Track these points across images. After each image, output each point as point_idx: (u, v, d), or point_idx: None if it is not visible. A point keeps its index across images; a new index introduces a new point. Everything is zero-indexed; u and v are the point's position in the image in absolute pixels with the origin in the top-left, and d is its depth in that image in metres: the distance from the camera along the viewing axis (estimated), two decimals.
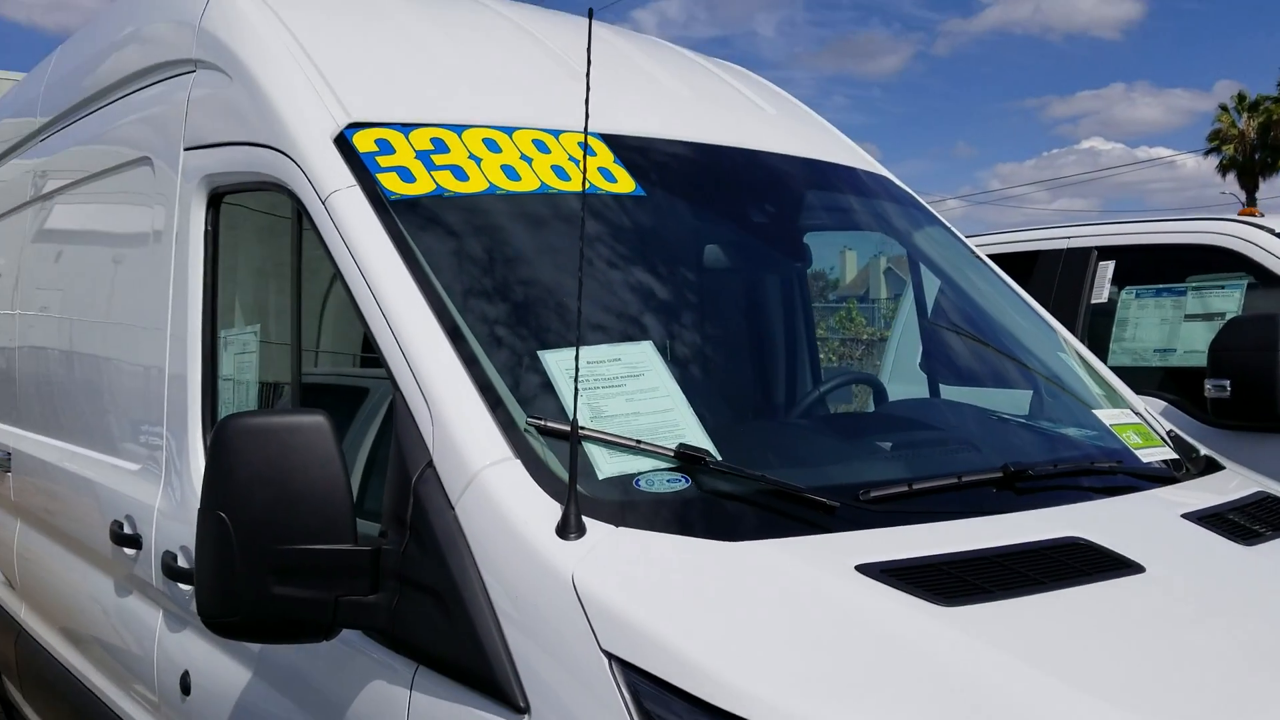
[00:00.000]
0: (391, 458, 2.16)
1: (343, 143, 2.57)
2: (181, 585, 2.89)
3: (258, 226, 3.13)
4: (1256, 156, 49.22)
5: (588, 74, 2.16)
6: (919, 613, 1.77)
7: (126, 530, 3.23)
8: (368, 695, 2.16)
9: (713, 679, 1.62)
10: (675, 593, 1.81)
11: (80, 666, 3.76)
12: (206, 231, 3.03)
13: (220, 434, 2.02)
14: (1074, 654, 1.75)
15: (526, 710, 1.81)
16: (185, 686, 2.89)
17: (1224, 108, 50.90)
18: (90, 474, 3.62)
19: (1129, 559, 2.06)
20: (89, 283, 3.93)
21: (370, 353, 2.44)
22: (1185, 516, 2.37)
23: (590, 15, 2.28)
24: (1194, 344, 4.57)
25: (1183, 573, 2.11)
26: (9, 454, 4.56)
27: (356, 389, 3.10)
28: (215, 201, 3.03)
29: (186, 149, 3.12)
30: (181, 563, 2.89)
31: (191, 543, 2.87)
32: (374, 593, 2.04)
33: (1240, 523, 2.38)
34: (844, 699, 1.62)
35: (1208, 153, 51.71)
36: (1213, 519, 2.37)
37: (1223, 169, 50.80)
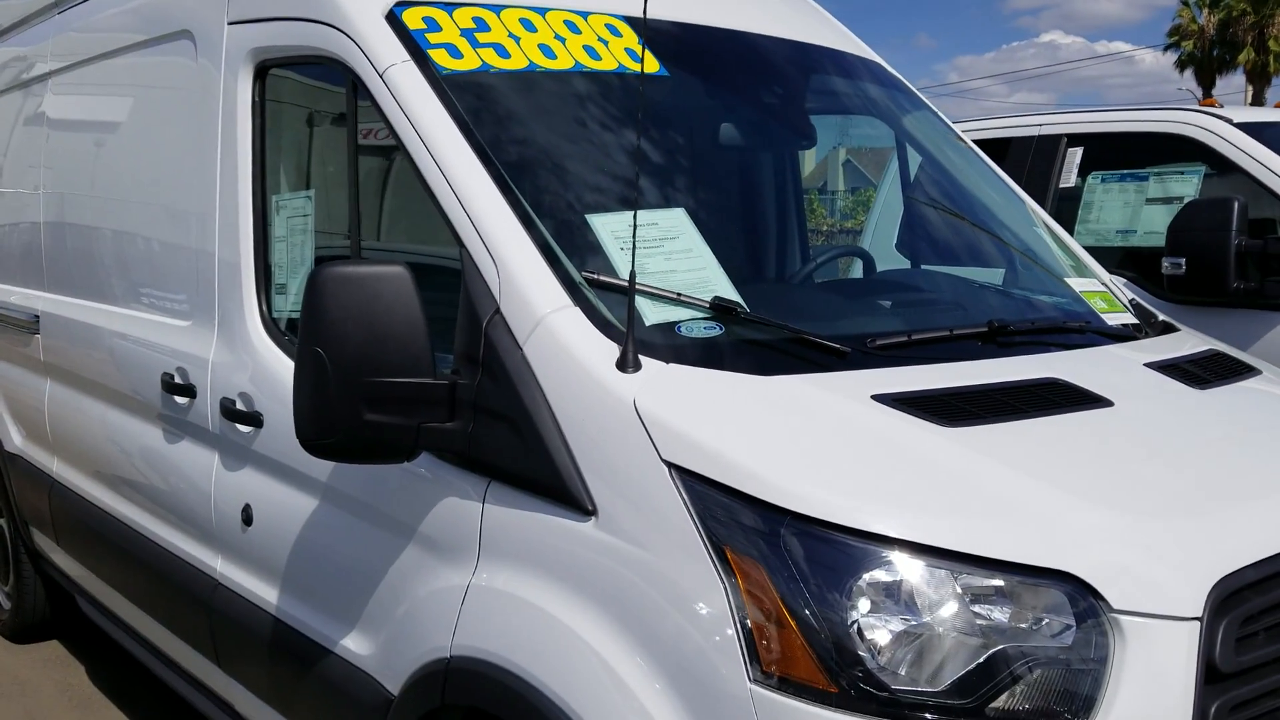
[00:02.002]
0: (461, 306, 2.44)
1: (394, 19, 2.78)
2: (241, 427, 3.17)
3: (308, 96, 3.32)
4: (1215, 53, 49.41)
5: None
6: (927, 430, 2.11)
7: (179, 380, 3.49)
8: (441, 510, 2.49)
9: (759, 478, 1.96)
10: (722, 412, 2.14)
11: (124, 510, 4.04)
12: (254, 102, 3.23)
13: (315, 280, 2.29)
14: (1053, 463, 2.12)
15: (594, 513, 2.15)
16: (247, 518, 3.20)
17: (1185, 2, 50.85)
18: (138, 332, 3.85)
19: (1100, 395, 2.42)
20: (126, 151, 4.10)
21: (420, 220, 2.67)
22: (1147, 365, 2.73)
23: None
24: (1154, 226, 4.92)
25: (1145, 407, 2.48)
26: (37, 316, 4.76)
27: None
28: (261, 73, 3.23)
29: (231, 23, 3.30)
30: (241, 406, 3.17)
31: (250, 389, 3.16)
32: (451, 420, 2.35)
33: (1193, 371, 2.75)
34: (871, 493, 1.97)
35: (1166, 48, 51.81)
36: (1170, 367, 2.73)
37: (1180, 65, 50.96)
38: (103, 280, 4.24)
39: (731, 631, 1.92)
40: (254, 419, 3.12)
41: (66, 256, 4.61)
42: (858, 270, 3.90)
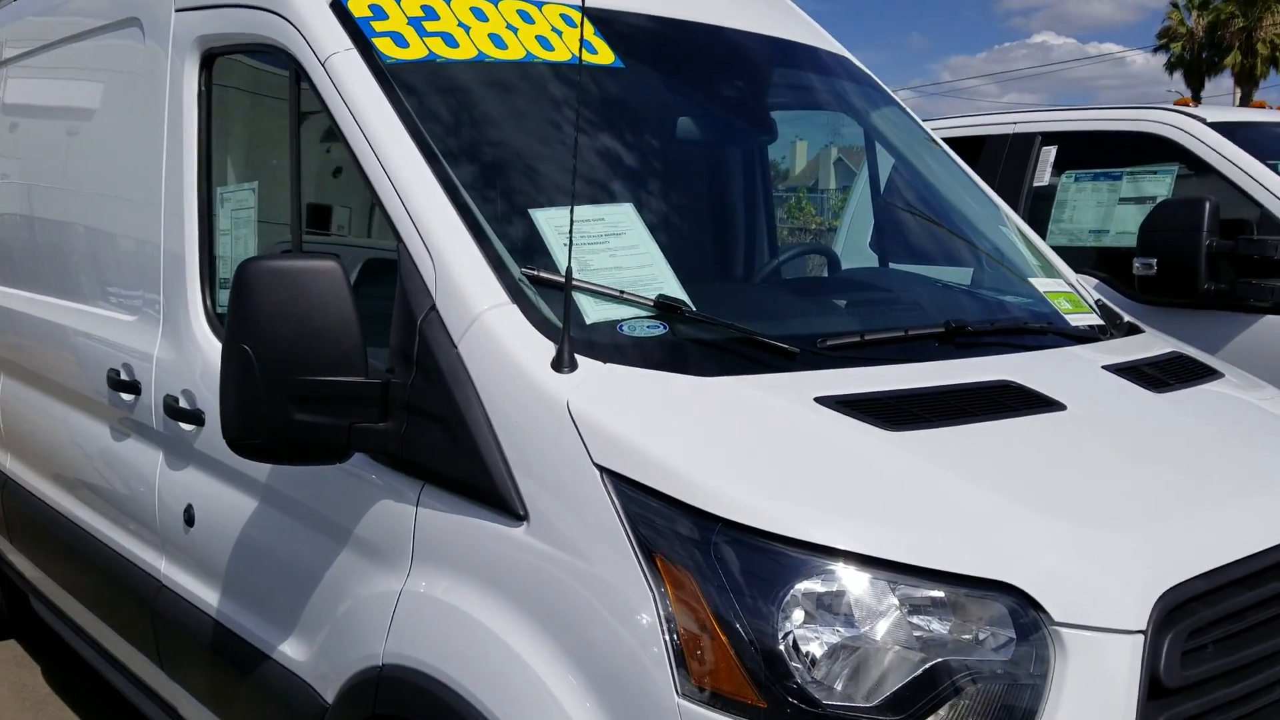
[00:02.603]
0: (396, 302, 2.36)
1: (338, 7, 2.70)
2: (184, 425, 3.09)
3: (253, 86, 3.25)
4: (1204, 55, 49.53)
5: None
6: (869, 435, 2.04)
7: (124, 377, 3.41)
8: (375, 513, 2.41)
9: (691, 483, 1.89)
10: (657, 415, 2.07)
11: (73, 509, 3.96)
12: (200, 91, 3.15)
13: (242, 274, 2.21)
14: (998, 469, 2.05)
15: (525, 517, 2.07)
16: (189, 519, 3.12)
17: (1175, 4, 50.95)
18: (84, 326, 3.77)
19: (1053, 398, 2.35)
20: (74, 142, 4.01)
21: (363, 211, 2.61)
22: (1105, 367, 2.66)
23: None
24: (1126, 226, 4.87)
25: (1099, 411, 2.41)
26: None
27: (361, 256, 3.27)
28: (208, 62, 3.15)
29: (178, 10, 3.22)
30: (184, 404, 3.09)
31: (193, 386, 3.08)
32: (384, 420, 2.27)
33: (1152, 374, 2.69)
34: (806, 499, 1.90)
35: (1156, 49, 51.94)
36: (1129, 370, 2.67)
37: (1170, 67, 51.08)
38: (53, 273, 4.15)
39: (661, 643, 1.85)
40: (196, 417, 3.04)
41: (18, 248, 4.52)
42: (823, 269, 3.84)
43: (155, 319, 3.31)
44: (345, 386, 2.22)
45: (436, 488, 2.28)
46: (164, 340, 3.26)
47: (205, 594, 3.08)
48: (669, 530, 1.89)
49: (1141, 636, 1.83)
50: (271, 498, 2.80)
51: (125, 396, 3.42)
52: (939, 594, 1.82)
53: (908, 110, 3.92)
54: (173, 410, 3.13)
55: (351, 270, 2.89)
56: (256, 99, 3.25)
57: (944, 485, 1.97)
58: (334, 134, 2.59)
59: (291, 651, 2.70)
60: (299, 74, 2.70)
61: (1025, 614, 1.82)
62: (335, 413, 2.23)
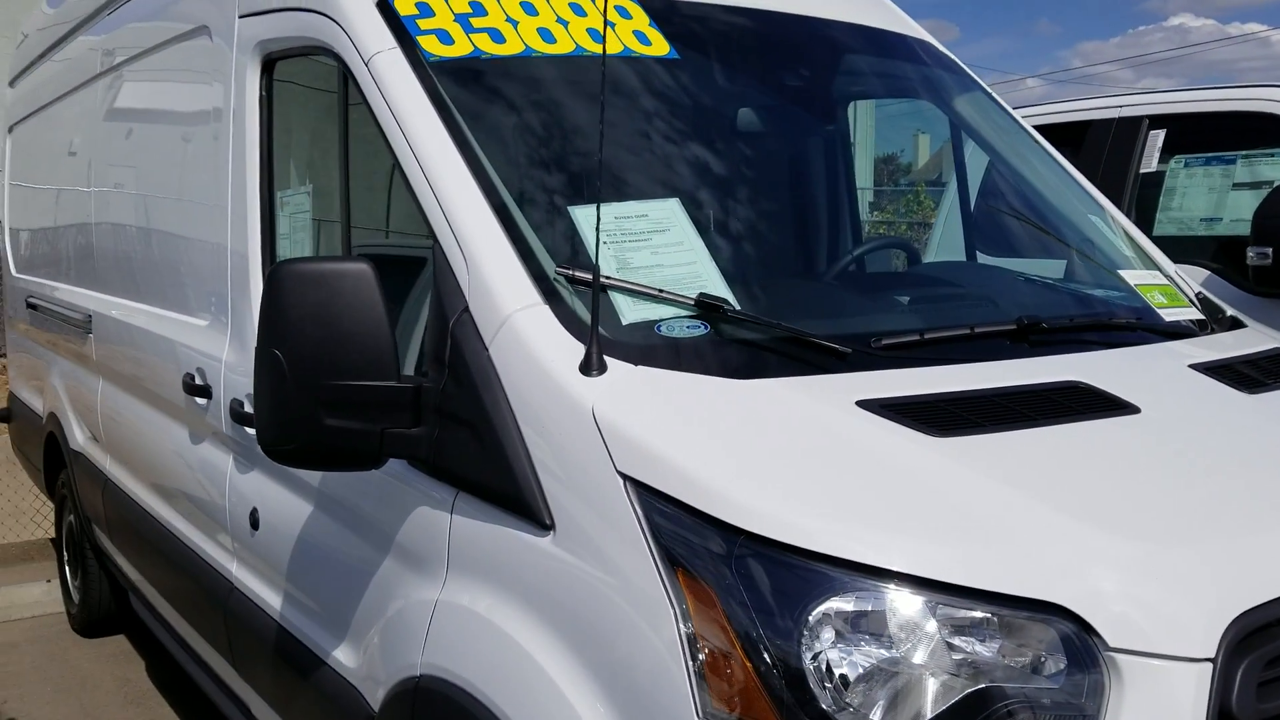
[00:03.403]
0: (431, 304, 2.31)
1: (384, 6, 2.67)
2: (249, 429, 3.11)
3: (312, 90, 3.25)
4: None
5: None
6: (909, 441, 1.90)
7: (198, 381, 3.46)
8: (414, 520, 2.37)
9: (712, 493, 1.78)
10: (684, 420, 1.96)
11: (160, 511, 4.06)
12: (261, 96, 3.17)
13: (273, 278, 2.19)
14: (1054, 479, 1.88)
15: (552, 527, 2.00)
16: (254, 522, 3.15)
17: None
18: (164, 331, 3.85)
19: (1125, 400, 2.16)
20: (153, 149, 4.11)
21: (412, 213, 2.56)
22: (1192, 366, 2.45)
23: None
24: (1240, 213, 4.54)
25: (1176, 415, 2.20)
26: (90, 316, 4.83)
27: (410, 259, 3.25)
28: (269, 67, 3.16)
29: (241, 16, 3.25)
30: (248, 408, 3.11)
31: None
32: (416, 425, 2.22)
33: (1247, 373, 2.46)
34: (836, 511, 1.77)
35: None
36: (1220, 369, 2.45)
37: None
38: (140, 279, 4.26)
39: (682, 662, 1.74)
40: None
41: (111, 256, 4.66)
42: (904, 265, 3.66)
43: (225, 323, 3.34)
44: (376, 391, 2.18)
45: (470, 495, 2.22)
46: (231, 344, 3.29)
47: (270, 596, 3.10)
48: (691, 542, 1.78)
49: (1210, 665, 1.65)
50: (324, 502, 2.80)
51: (200, 400, 3.47)
52: (982, 615, 1.68)
53: (994, 95, 3.72)
54: (238, 414, 3.15)
55: (400, 274, 2.87)
56: (313, 102, 3.26)
57: (990, 496, 1.81)
58: (380, 135, 2.56)
59: (343, 657, 2.68)
60: (346, 75, 2.68)
61: (1078, 638, 1.66)
62: (367, 418, 2.19)
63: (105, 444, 4.83)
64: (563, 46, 2.74)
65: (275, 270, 2.19)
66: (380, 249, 3.00)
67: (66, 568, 5.95)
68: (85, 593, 5.66)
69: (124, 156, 4.51)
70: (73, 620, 5.88)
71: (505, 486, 2.08)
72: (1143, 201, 4.88)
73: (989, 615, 1.67)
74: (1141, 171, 4.93)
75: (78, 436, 5.28)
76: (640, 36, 2.85)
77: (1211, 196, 4.69)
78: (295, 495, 2.92)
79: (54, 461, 5.82)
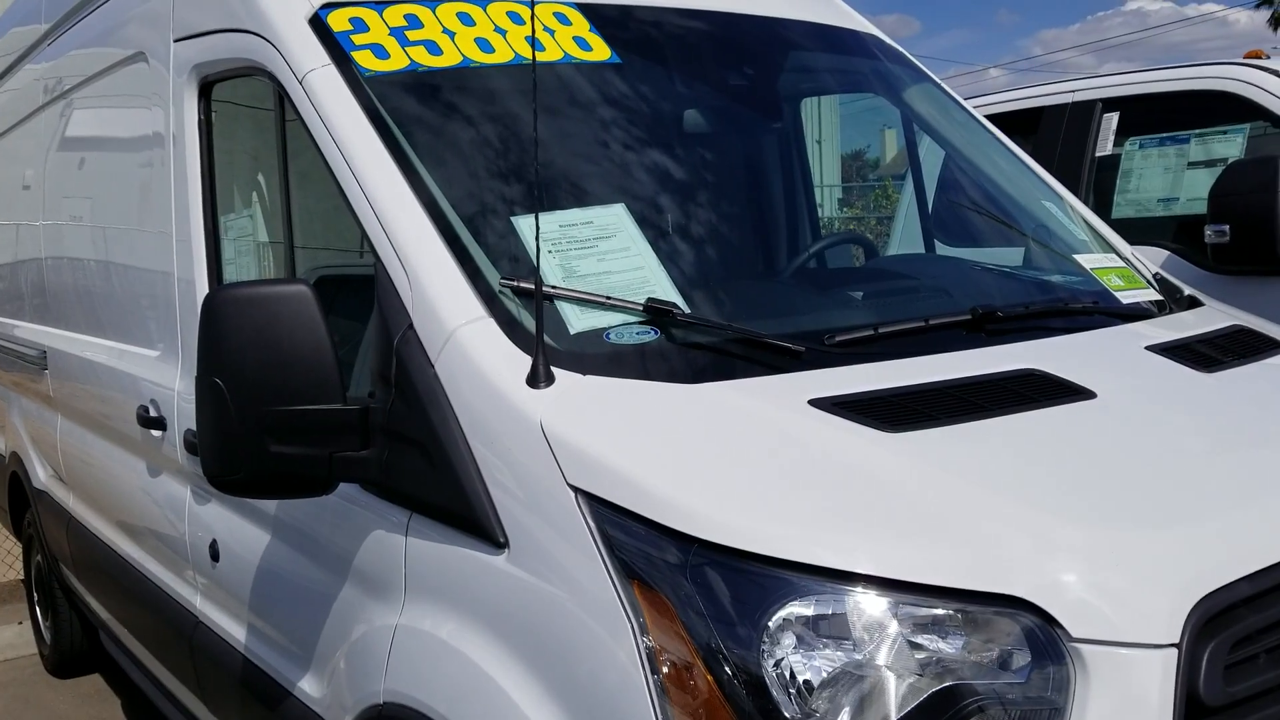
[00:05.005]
0: (375, 323, 2.27)
1: (317, 23, 2.62)
2: None
3: (248, 112, 3.20)
4: None
5: None
6: (860, 438, 1.86)
7: (152, 413, 3.39)
8: (370, 544, 2.32)
9: (663, 501, 1.74)
10: (634, 429, 1.92)
11: (124, 546, 3.99)
12: (200, 120, 3.12)
13: (209, 304, 2.13)
14: (1010, 469, 1.85)
15: (506, 545, 1.95)
16: (215, 554, 3.09)
17: None
18: (117, 364, 3.78)
19: (1081, 386, 2.13)
20: (97, 178, 4.04)
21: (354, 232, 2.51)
22: (1149, 347, 2.43)
23: None
24: (1197, 192, 4.53)
25: (1133, 397, 2.18)
26: (44, 352, 4.75)
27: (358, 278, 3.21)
28: (206, 91, 3.11)
29: (176, 40, 3.19)
30: None
31: None
32: (366, 448, 2.18)
33: (1204, 352, 2.44)
34: (789, 514, 1.74)
35: (1259, 5, 49.49)
36: (1176, 349, 2.43)
37: (1275, 22, 48.63)
38: (91, 312, 4.19)
39: (642, 676, 1.70)
40: None
41: (62, 290, 4.59)
42: (862, 260, 3.64)
43: (175, 352, 3.28)
44: (322, 415, 2.13)
45: (423, 516, 2.17)
46: (183, 374, 3.23)
47: (234, 629, 3.04)
48: (645, 554, 1.74)
49: (1175, 650, 1.62)
50: (282, 530, 2.75)
51: (155, 433, 3.41)
52: (944, 612, 1.65)
53: (943, 86, 3.70)
54: (192, 445, 3.09)
55: (349, 294, 2.82)
56: (251, 125, 3.21)
57: (946, 490, 1.78)
58: (317, 154, 2.52)
59: (309, 687, 2.63)
60: (282, 95, 2.64)
61: (1041, 631, 1.63)
62: (314, 443, 2.14)
63: (68, 481, 4.75)
64: (501, 56, 2.70)
65: (211, 296, 2.14)
66: (328, 269, 2.95)
67: (37, 608, 5.85)
68: (56, 633, 5.56)
69: (71, 188, 4.44)
70: (46, 661, 5.78)
71: (457, 505, 2.04)
72: (1100, 185, 4.88)
73: (951, 612, 1.64)
74: (1097, 155, 4.93)
75: (40, 475, 5.19)
76: (580, 43, 2.82)
77: (1167, 177, 4.69)
78: (253, 525, 2.87)
79: (18, 501, 5.73)
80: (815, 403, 1.96)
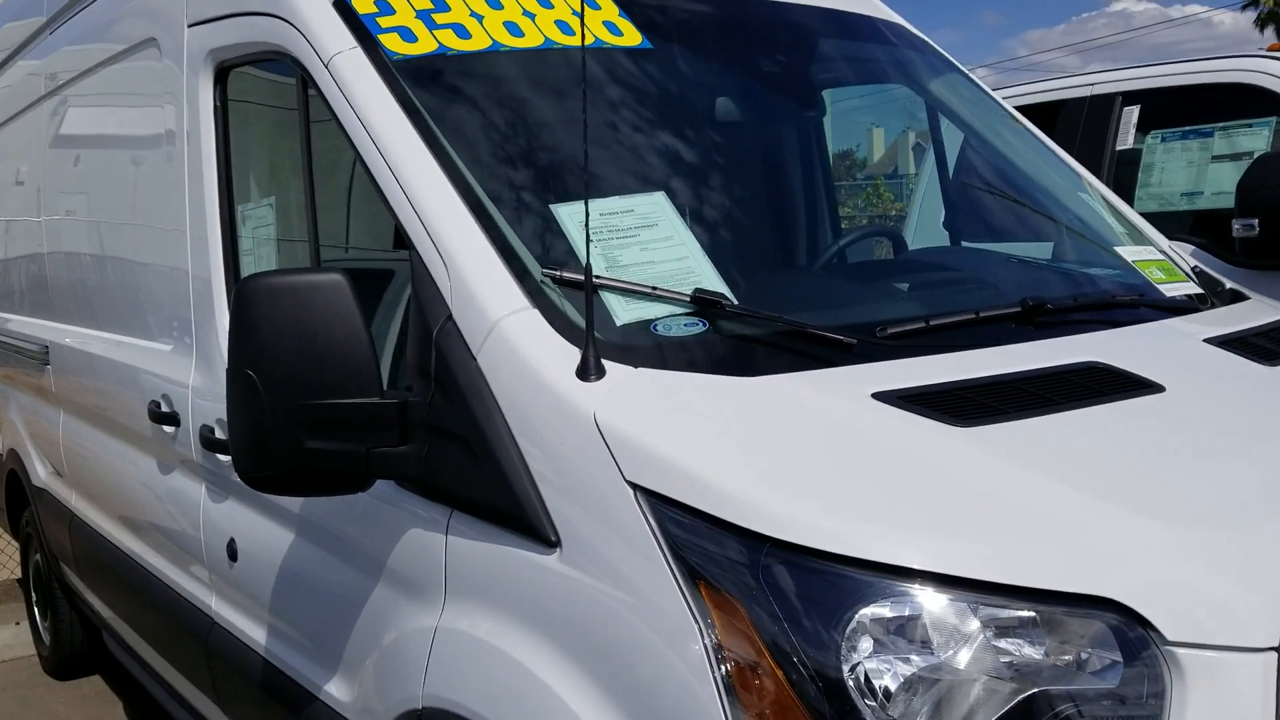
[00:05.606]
0: (411, 314, 2.18)
1: (342, 5, 2.54)
2: (221, 456, 2.96)
3: (267, 98, 3.11)
4: None
5: None
6: (934, 433, 1.79)
7: (164, 409, 3.30)
8: (405, 543, 2.23)
9: (732, 499, 1.66)
10: (693, 423, 1.85)
11: (131, 545, 3.89)
12: (216, 107, 3.03)
13: (241, 294, 2.05)
14: (1089, 464, 1.78)
15: (558, 544, 1.87)
16: (232, 553, 3.00)
17: None
18: (125, 358, 3.69)
19: (1149, 379, 2.07)
20: (106, 169, 3.94)
21: (383, 221, 2.43)
22: (1207, 340, 2.37)
23: None
24: (1222, 185, 4.48)
25: (1203, 390, 2.12)
26: (46, 348, 4.64)
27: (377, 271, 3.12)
28: (222, 76, 3.02)
29: (190, 25, 3.10)
30: (219, 435, 2.96)
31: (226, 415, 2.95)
32: (404, 443, 2.09)
33: (1262, 345, 2.38)
34: (866, 511, 1.66)
35: (1244, 6, 49.63)
36: (1234, 342, 2.37)
37: (1261, 23, 48.77)
38: (97, 306, 4.09)
39: (711, 681, 1.63)
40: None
41: (67, 284, 4.48)
42: (888, 254, 3.57)
43: (189, 346, 3.19)
44: (358, 409, 2.04)
45: (465, 514, 2.09)
46: (198, 368, 3.14)
47: (253, 630, 2.96)
48: (712, 553, 1.67)
49: (1275, 654, 1.55)
50: (307, 529, 2.66)
51: (167, 428, 3.32)
52: (1028, 614, 1.57)
53: (972, 77, 3.63)
54: (209, 441, 3.00)
55: (375, 286, 2.73)
56: (271, 111, 3.12)
57: (1026, 487, 1.71)
58: (345, 140, 2.43)
59: (336, 690, 2.54)
60: (305, 80, 2.55)
61: (1132, 633, 1.56)
62: (350, 438, 2.06)
63: (69, 479, 4.64)
64: (531, 40, 2.62)
65: (243, 285, 2.06)
66: (344, 261, 2.87)
67: (35, 609, 5.74)
68: (56, 634, 5.45)
69: (74, 180, 4.34)
70: (45, 663, 5.67)
71: (504, 503, 1.96)
72: (1120, 179, 4.82)
73: (1037, 614, 1.57)
74: (1117, 149, 4.87)
75: (40, 473, 5.09)
76: (611, 27, 2.74)
77: (1191, 170, 4.64)
78: (275, 523, 2.78)
79: (16, 499, 5.62)
80: (879, 396, 1.88)
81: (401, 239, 2.27)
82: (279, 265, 2.89)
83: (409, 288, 2.23)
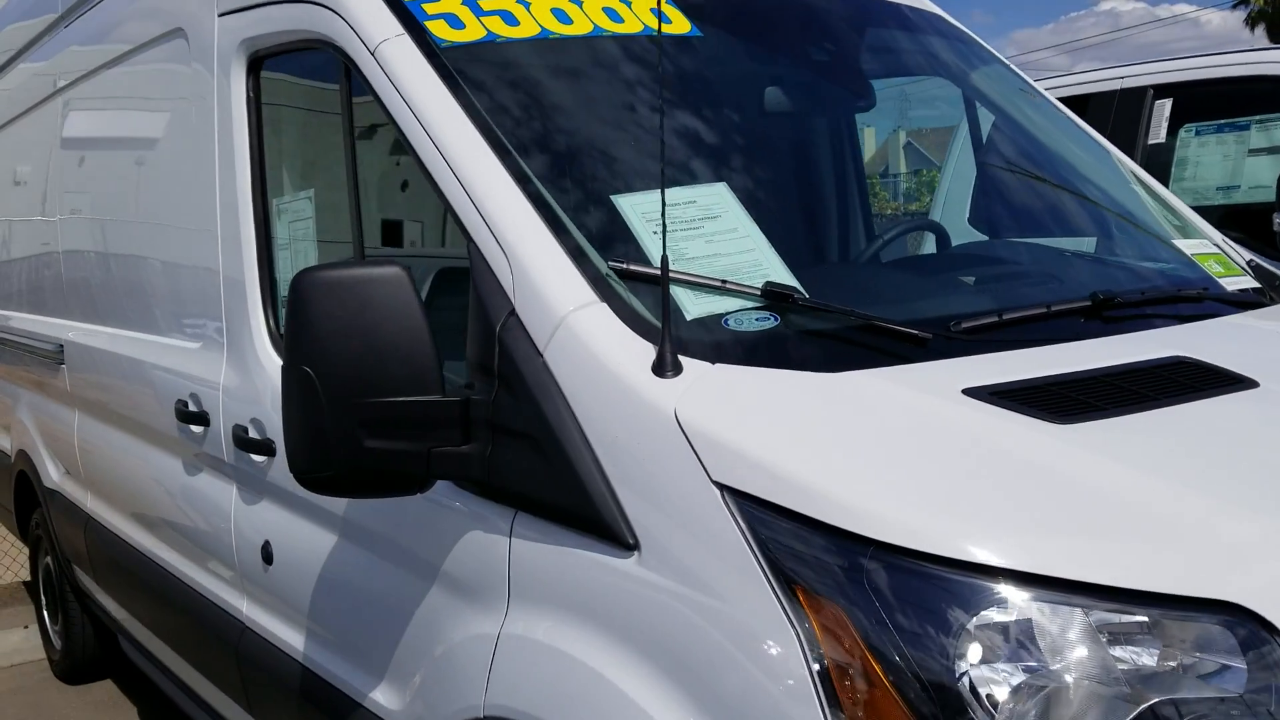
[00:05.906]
0: (471, 309, 2.11)
1: None
2: (255, 456, 2.88)
3: (304, 88, 3.03)
4: None
5: None
6: (1034, 430, 1.72)
7: (192, 408, 3.22)
8: (463, 546, 2.16)
9: (831, 500, 1.59)
10: (781, 421, 1.77)
11: (153, 548, 3.80)
12: (249, 98, 2.95)
13: (297, 287, 1.97)
14: (1196, 462, 1.72)
15: (636, 547, 1.80)
16: (268, 556, 2.91)
17: None
18: (149, 357, 3.60)
19: (1241, 374, 2.00)
20: (131, 163, 3.85)
21: (428, 212, 2.36)
22: None
23: None
24: (1259, 179, 4.43)
25: None
26: (61, 346, 4.55)
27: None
28: (255, 66, 2.94)
29: (221, 14, 3.02)
30: (253, 434, 2.88)
31: (261, 415, 2.86)
32: (466, 443, 2.02)
33: None
34: (972, 513, 1.59)
35: (1235, 6, 49.70)
36: None
37: (1250, 23, 48.84)
38: (118, 304, 4.00)
39: (810, 691, 1.55)
40: (266, 447, 2.82)
41: (84, 282, 4.39)
42: (930, 247, 3.50)
43: (220, 345, 3.11)
44: (420, 407, 1.97)
45: (531, 515, 2.01)
46: (229, 367, 3.05)
47: (290, 636, 2.87)
48: (809, 556, 1.59)
49: None
50: (351, 532, 2.57)
51: (195, 429, 3.23)
52: (1143, 618, 1.50)
53: (1011, 66, 3.57)
54: (242, 441, 2.92)
55: (425, 280, 2.66)
56: (309, 101, 3.03)
57: (1133, 485, 1.64)
58: (391, 130, 2.35)
59: (384, 700, 2.46)
60: (349, 69, 2.47)
61: (1252, 636, 1.49)
62: (411, 437, 1.98)
63: (84, 480, 4.55)
64: (580, 27, 2.54)
65: (300, 278, 1.97)
66: (397, 254, 2.79)
67: (45, 612, 5.64)
68: (67, 637, 5.36)
69: (91, 176, 4.25)
70: (55, 667, 5.58)
71: (576, 504, 1.88)
72: (1152, 173, 4.74)
73: (1156, 619, 1.50)
74: (1149, 143, 4.81)
75: (52, 473, 4.99)
76: (658, 14, 2.66)
77: (1226, 164, 4.58)
78: (315, 526, 2.70)
79: (25, 501, 5.52)
80: (970, 393, 1.81)
81: (455, 234, 2.19)
82: (319, 260, 2.80)
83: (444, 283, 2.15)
